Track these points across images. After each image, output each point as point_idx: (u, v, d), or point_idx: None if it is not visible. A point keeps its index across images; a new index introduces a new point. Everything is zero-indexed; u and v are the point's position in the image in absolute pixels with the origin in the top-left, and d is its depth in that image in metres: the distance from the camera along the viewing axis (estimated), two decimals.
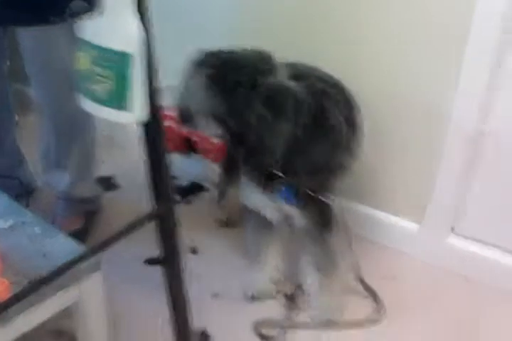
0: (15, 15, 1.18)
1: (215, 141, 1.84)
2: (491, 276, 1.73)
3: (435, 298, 1.72)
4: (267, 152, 1.32)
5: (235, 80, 1.30)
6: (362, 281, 1.66)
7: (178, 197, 2.05)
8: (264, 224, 1.57)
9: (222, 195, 1.87)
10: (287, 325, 1.59)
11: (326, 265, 1.56)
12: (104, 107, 1.02)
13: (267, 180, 1.40)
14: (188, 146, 1.99)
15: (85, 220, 1.93)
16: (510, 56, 1.51)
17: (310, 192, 1.41)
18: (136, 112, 1.01)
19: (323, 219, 1.48)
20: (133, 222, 1.15)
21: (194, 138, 1.94)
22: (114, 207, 2.03)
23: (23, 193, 1.86)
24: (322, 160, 1.41)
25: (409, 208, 1.84)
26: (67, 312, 1.35)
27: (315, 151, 1.38)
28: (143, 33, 0.94)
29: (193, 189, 2.16)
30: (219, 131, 1.38)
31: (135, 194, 2.04)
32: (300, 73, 1.39)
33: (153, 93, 1.02)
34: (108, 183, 2.15)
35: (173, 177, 1.65)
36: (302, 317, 1.63)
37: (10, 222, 1.38)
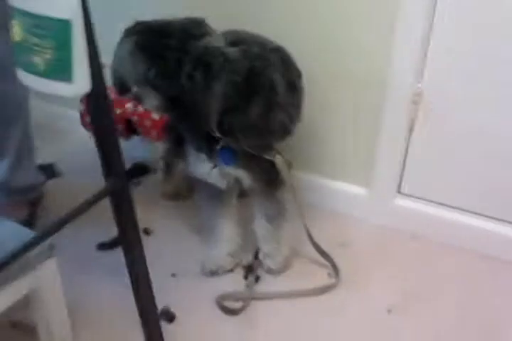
0: None
1: (156, 117, 1.81)
2: (436, 232, 1.80)
3: (387, 258, 1.76)
4: (202, 114, 1.32)
5: (163, 44, 1.31)
6: (316, 245, 1.67)
7: None
8: (215, 196, 1.58)
9: (168, 168, 1.85)
10: (248, 296, 1.59)
11: (278, 217, 1.59)
12: (45, 80, 0.97)
13: (208, 145, 1.41)
14: (129, 129, 1.95)
15: (29, 210, 1.86)
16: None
17: (251, 152, 1.43)
18: (79, 83, 0.96)
19: (269, 177, 1.51)
20: (86, 200, 1.11)
21: (134, 119, 1.90)
22: (58, 195, 1.97)
23: None
24: (258, 120, 1.39)
25: (356, 173, 1.88)
26: (22, 303, 1.31)
27: (250, 111, 1.36)
28: None
29: (138, 170, 2.11)
30: (155, 100, 1.37)
31: (79, 180, 2.01)
32: (238, 39, 1.39)
33: (94, 62, 0.98)
34: (50, 170, 2.07)
35: None
36: (262, 287, 1.64)
37: None
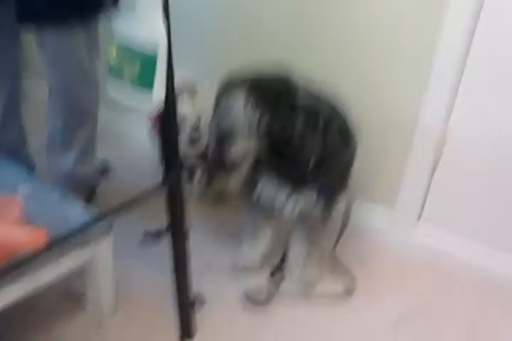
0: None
1: None
2: (453, 261, 1.93)
3: (402, 279, 1.91)
4: (303, 161, 1.53)
5: (274, 98, 1.48)
6: (336, 262, 1.88)
7: None
8: (265, 212, 1.77)
9: (209, 181, 2.03)
10: (273, 291, 1.78)
11: (317, 245, 1.79)
12: (130, 93, 1.19)
13: (296, 182, 1.61)
14: None
15: (85, 201, 2.05)
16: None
17: (337, 192, 1.69)
18: (156, 98, 1.18)
19: (330, 213, 1.72)
20: (146, 189, 1.31)
21: None
22: (108, 189, 2.15)
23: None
24: (343, 162, 1.66)
25: (382, 202, 2.04)
26: (76, 274, 1.51)
27: (340, 156, 1.62)
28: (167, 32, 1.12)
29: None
30: (258, 146, 1.51)
31: (127, 178, 2.22)
32: (312, 94, 1.58)
33: (169, 78, 1.20)
34: (103, 167, 2.26)
35: None
36: (286, 286, 1.82)
37: (28, 189, 1.49)
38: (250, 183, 1.64)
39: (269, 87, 1.49)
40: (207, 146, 1.56)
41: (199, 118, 1.99)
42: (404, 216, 2.01)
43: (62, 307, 1.66)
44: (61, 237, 1.24)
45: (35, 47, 1.72)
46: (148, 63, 1.13)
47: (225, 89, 1.51)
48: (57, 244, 1.21)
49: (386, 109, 1.89)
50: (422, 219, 2.00)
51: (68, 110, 1.87)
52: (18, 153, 2.02)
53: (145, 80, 1.15)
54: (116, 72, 1.19)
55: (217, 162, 1.53)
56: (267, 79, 1.51)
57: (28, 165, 2.08)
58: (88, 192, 2.07)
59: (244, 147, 1.49)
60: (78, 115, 1.89)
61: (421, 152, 1.88)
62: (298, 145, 1.49)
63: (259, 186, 1.65)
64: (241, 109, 1.45)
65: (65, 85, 1.80)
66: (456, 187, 1.90)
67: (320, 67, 1.85)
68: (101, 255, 1.49)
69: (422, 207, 1.98)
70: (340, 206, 1.79)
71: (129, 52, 1.14)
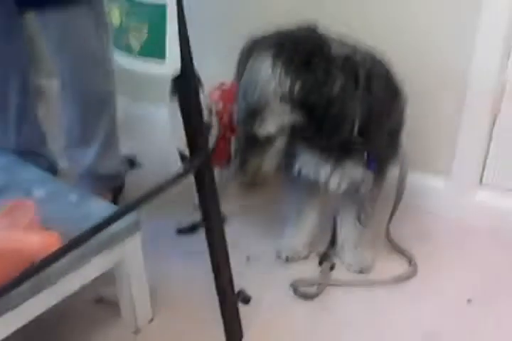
0: None
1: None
2: None
3: (465, 252, 1.73)
4: (348, 121, 1.32)
5: (305, 57, 1.26)
6: (391, 241, 1.69)
7: None
8: (308, 190, 1.60)
9: (242, 161, 1.88)
10: (324, 282, 1.61)
11: (367, 222, 1.60)
12: (139, 60, 1.04)
13: (340, 152, 1.41)
14: None
15: (111, 197, 1.94)
16: None
17: (388, 161, 1.48)
18: (170, 63, 1.03)
19: (382, 182, 1.52)
20: (170, 177, 1.16)
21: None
22: (138, 185, 2.04)
23: (50, 172, 1.87)
24: (392, 125, 1.44)
25: (436, 164, 1.85)
26: (108, 279, 1.39)
27: (387, 117, 1.41)
28: None
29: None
30: (295, 115, 1.31)
31: (157, 173, 2.09)
32: (347, 46, 1.36)
33: (184, 44, 1.03)
34: (131, 162, 2.17)
35: None
36: (337, 274, 1.66)
37: (44, 191, 1.41)
38: (288, 159, 1.44)
39: (299, 47, 1.27)
40: (235, 123, 1.38)
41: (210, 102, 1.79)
42: (463, 182, 1.81)
43: (96, 315, 1.54)
44: (78, 238, 1.09)
45: (40, 33, 1.61)
46: (157, 21, 0.96)
47: (248, 55, 1.31)
48: (74, 246, 1.06)
49: (432, 62, 1.69)
50: (483, 183, 1.80)
51: (82, 100, 1.76)
52: (36, 154, 1.95)
53: (155, 41, 0.99)
54: (121, 36, 1.03)
55: (248, 139, 1.34)
56: (293, 37, 1.30)
57: (49, 166, 2.00)
58: (114, 191, 1.96)
59: (277, 119, 1.29)
60: (94, 105, 1.77)
61: (477, 108, 1.68)
62: (339, 109, 1.28)
63: (299, 161, 1.46)
64: (268, 76, 1.24)
65: (74, 70, 1.68)
66: None
67: (355, 19, 1.67)
68: (130, 256, 1.36)
69: (483, 170, 1.79)
70: (390, 177, 1.58)
71: (135, 8, 0.98)
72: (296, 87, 1.25)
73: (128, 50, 1.04)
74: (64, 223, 1.24)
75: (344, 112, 1.30)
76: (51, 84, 1.84)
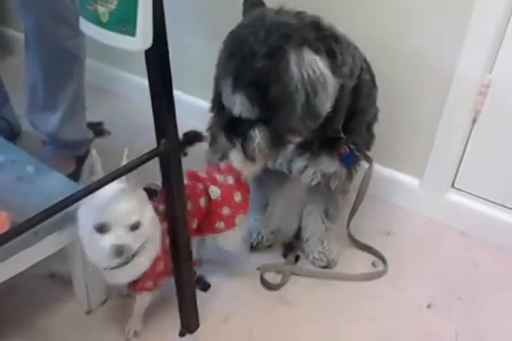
0: None
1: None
2: (486, 231, 1.72)
3: (432, 252, 1.71)
4: (339, 117, 1.28)
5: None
6: (353, 239, 1.66)
7: None
8: (278, 182, 1.56)
9: (213, 140, 1.81)
10: (289, 270, 1.57)
11: (331, 217, 1.55)
12: (108, 31, 0.94)
13: (319, 144, 1.34)
14: None
15: (75, 166, 1.86)
16: None
17: (366, 153, 1.42)
18: (142, 38, 0.93)
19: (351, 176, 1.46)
20: (136, 158, 1.08)
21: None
22: (104, 154, 1.97)
23: (9, 135, 1.78)
24: (370, 118, 1.40)
25: (411, 163, 1.81)
26: (61, 255, 1.32)
27: (371, 111, 1.37)
28: None
29: (191, 138, 2.08)
30: None
31: (125, 141, 2.00)
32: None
33: (157, 17, 0.94)
34: (98, 129, 2.08)
35: None
36: (302, 266, 1.62)
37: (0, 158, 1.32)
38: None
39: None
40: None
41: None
42: (436, 183, 1.77)
43: (49, 292, 1.48)
44: (30, 220, 1.01)
45: None
46: None
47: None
48: (25, 229, 0.98)
49: (416, 62, 1.62)
50: (456, 182, 1.76)
51: (48, 60, 1.65)
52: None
53: (124, 13, 0.89)
54: (88, 2, 0.93)
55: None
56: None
57: (9, 129, 1.90)
58: (78, 161, 1.87)
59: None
60: (60, 67, 1.67)
61: (458, 106, 1.62)
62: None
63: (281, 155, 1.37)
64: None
65: (39, 27, 1.58)
66: (495, 148, 1.65)
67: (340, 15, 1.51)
68: None
69: (456, 173, 1.74)
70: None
71: None
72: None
73: (96, 19, 0.94)
74: (15, 196, 1.18)
75: (337, 109, 1.23)
76: (19, 38, 1.71)
